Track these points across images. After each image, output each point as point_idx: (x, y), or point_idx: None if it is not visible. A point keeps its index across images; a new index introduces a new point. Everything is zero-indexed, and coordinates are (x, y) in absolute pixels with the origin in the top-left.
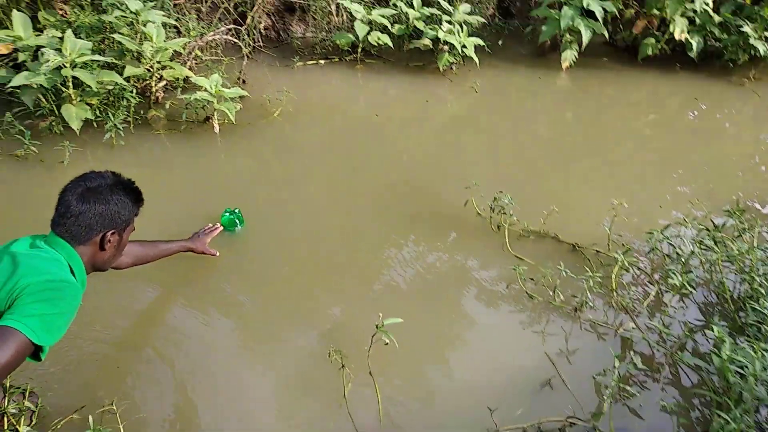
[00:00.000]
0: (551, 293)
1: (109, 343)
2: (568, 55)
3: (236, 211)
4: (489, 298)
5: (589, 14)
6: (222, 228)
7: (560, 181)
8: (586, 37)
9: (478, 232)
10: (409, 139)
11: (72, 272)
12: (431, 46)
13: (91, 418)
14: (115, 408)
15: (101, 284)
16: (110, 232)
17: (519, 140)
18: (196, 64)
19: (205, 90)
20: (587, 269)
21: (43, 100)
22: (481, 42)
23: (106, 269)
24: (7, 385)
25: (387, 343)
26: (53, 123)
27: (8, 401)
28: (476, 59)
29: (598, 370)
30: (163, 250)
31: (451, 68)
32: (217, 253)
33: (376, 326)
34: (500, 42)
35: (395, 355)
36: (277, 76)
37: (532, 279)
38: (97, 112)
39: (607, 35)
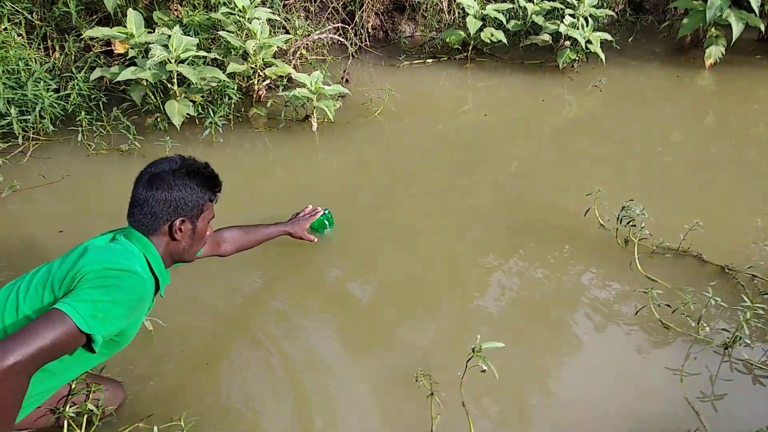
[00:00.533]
0: (694, 324)
1: (195, 346)
2: (714, 52)
3: (326, 212)
4: (611, 325)
5: (739, 4)
6: (321, 212)
7: (701, 192)
8: (737, 30)
9: (599, 247)
10: (521, 142)
11: (150, 266)
12: (550, 42)
13: (156, 429)
14: (182, 424)
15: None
16: (178, 219)
17: (650, 146)
18: (301, 63)
19: (305, 87)
20: (743, 297)
21: (151, 96)
22: (608, 37)
23: (189, 260)
24: (73, 385)
25: (484, 371)
26: (159, 119)
27: (68, 403)
28: (602, 56)
29: (755, 424)
30: (264, 234)
31: (573, 66)
32: (315, 239)
33: (473, 350)
34: (630, 39)
35: (493, 386)
36: (382, 76)
37: (668, 305)
38: (200, 109)
39: (762, 28)
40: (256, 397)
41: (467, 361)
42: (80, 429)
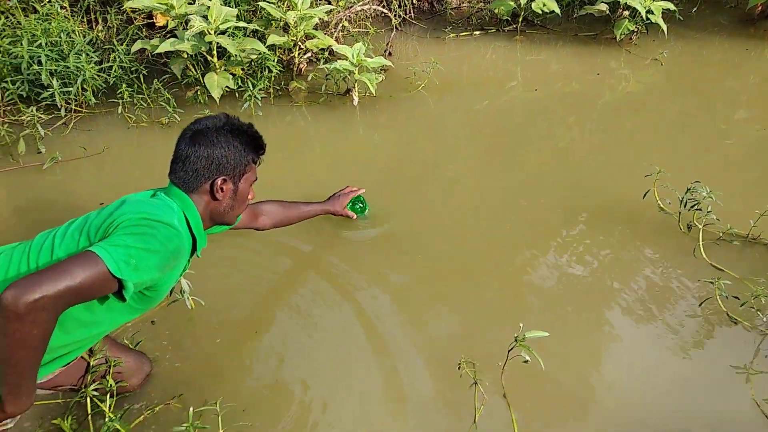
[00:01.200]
0: (765, 319)
1: (228, 325)
2: None
3: (360, 197)
4: (670, 317)
5: None
6: (359, 191)
7: None
8: None
9: (658, 232)
10: (572, 118)
11: (188, 224)
12: (607, 13)
13: (191, 411)
14: (218, 409)
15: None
16: (220, 178)
17: (714, 125)
18: (343, 36)
19: (347, 59)
20: None
21: (191, 69)
22: (671, 6)
23: (228, 223)
24: (92, 363)
25: (527, 361)
26: (198, 92)
27: (91, 378)
28: (664, 27)
29: None
30: (304, 212)
31: (631, 38)
32: (355, 216)
33: (515, 339)
34: (694, 10)
35: (537, 377)
36: (426, 49)
37: (736, 297)
38: (239, 82)
39: None
40: (295, 379)
41: (509, 351)
42: (104, 405)
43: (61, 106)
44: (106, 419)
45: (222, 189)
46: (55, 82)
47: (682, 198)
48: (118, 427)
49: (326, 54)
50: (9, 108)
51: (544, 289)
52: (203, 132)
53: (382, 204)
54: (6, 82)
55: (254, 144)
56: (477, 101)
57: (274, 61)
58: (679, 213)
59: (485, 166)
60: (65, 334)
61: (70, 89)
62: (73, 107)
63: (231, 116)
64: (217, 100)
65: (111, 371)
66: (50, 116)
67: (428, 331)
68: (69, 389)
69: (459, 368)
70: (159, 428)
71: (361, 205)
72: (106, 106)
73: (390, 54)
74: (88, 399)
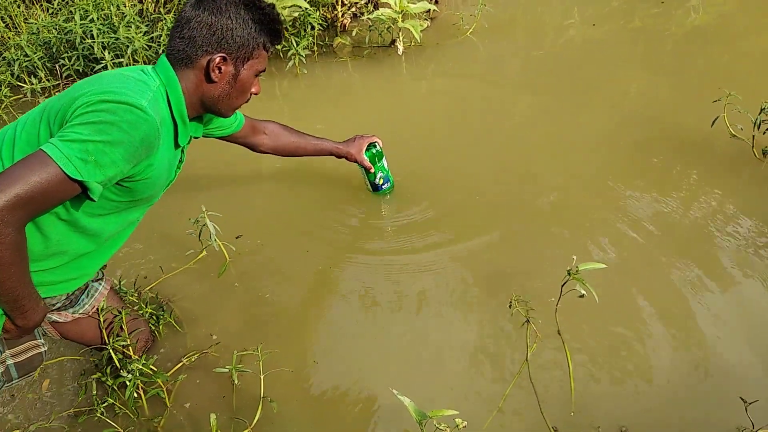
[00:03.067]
0: None
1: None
2: None
3: (375, 145)
4: (743, 258)
5: None
6: (377, 139)
7: None
8: None
9: (730, 162)
10: (635, 53)
11: (169, 103)
12: None
13: (235, 354)
14: (259, 354)
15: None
16: (219, 55)
17: None
18: None
19: (389, 7)
20: None
21: None
22: None
23: (223, 114)
24: (101, 319)
25: (582, 295)
26: None
27: (108, 335)
28: None
29: None
30: (313, 144)
31: None
32: (373, 168)
33: (568, 272)
34: None
35: (593, 312)
36: None
37: None
38: (283, 42)
39: None
40: (337, 321)
41: (562, 285)
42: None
43: None
44: (133, 367)
45: (219, 69)
46: (107, 55)
47: (756, 119)
48: (150, 371)
49: (370, 7)
50: (67, 83)
51: (609, 231)
52: None
53: (434, 155)
54: (63, 58)
55: (270, 26)
56: (532, 43)
57: (316, 17)
58: (753, 137)
59: (544, 110)
60: (51, 244)
61: (122, 60)
62: None
63: None
64: None
65: (125, 327)
66: None
67: (481, 271)
68: (92, 348)
69: (510, 307)
70: (196, 374)
71: (377, 157)
72: None
73: (437, 2)
74: (113, 353)
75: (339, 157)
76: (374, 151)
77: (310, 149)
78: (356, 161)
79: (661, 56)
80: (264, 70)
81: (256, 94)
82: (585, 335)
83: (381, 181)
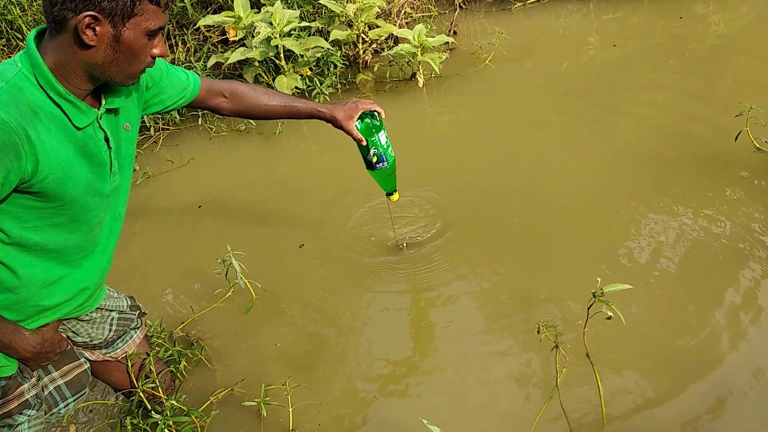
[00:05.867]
0: None
1: (298, 314)
2: None
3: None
4: None
5: None
6: (374, 108)
7: None
8: None
9: (756, 177)
10: (657, 70)
11: (38, 82)
12: None
13: (263, 387)
14: (287, 388)
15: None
16: (86, 14)
17: None
18: (406, 22)
19: (408, 42)
20: None
21: (263, 75)
22: None
23: (119, 83)
24: (130, 364)
25: (609, 317)
26: None
27: (152, 367)
28: None
29: None
30: (283, 106)
31: None
32: (365, 141)
33: (593, 294)
34: None
35: (621, 335)
36: (493, 23)
37: None
38: (308, 81)
39: None
40: (366, 344)
41: (588, 308)
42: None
43: (150, 125)
44: (165, 406)
45: (94, 30)
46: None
47: None
48: (182, 408)
49: (390, 42)
50: None
51: (634, 250)
52: None
53: (454, 184)
54: None
55: None
56: (553, 66)
57: (338, 56)
58: None
59: (568, 130)
60: (19, 274)
61: None
62: (161, 126)
63: None
64: None
65: (153, 369)
66: (142, 136)
67: (508, 295)
68: (119, 392)
69: (538, 332)
70: (227, 409)
71: (374, 129)
72: (189, 121)
73: (455, 33)
74: (142, 396)
75: (325, 120)
76: (368, 121)
77: (280, 111)
78: (342, 129)
79: (682, 72)
80: (161, 28)
81: (160, 56)
82: (614, 357)
83: (375, 159)
